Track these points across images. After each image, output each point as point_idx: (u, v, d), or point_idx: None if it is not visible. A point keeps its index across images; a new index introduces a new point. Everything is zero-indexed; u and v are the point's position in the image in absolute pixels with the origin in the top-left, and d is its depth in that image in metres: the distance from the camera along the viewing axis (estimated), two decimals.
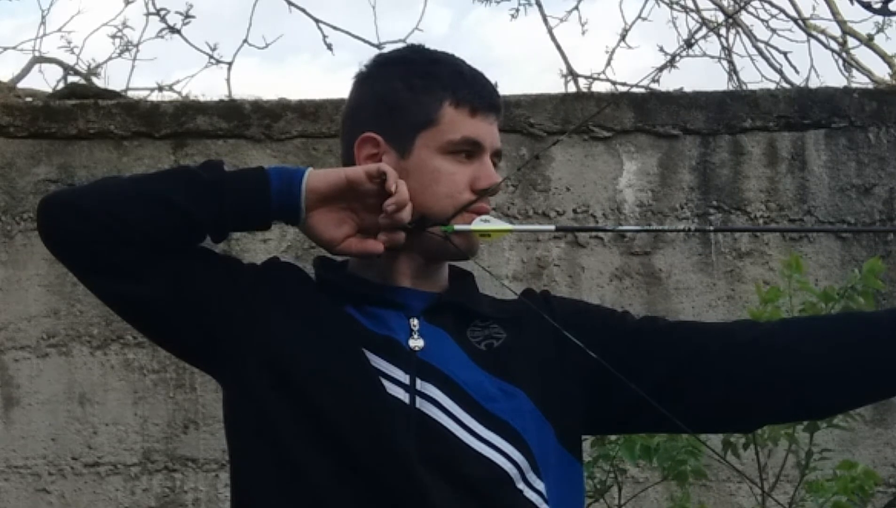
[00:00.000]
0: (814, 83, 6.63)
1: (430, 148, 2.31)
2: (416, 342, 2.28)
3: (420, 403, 2.24)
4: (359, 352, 2.25)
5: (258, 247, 4.99)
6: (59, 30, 6.83)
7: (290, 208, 2.26)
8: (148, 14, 6.57)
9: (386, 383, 2.24)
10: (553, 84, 6.38)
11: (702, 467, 4.10)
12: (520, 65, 11.17)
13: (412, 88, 2.33)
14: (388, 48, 5.93)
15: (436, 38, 11.57)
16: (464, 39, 12.12)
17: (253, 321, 2.28)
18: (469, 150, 2.32)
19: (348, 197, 2.26)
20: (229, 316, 2.28)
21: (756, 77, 8.58)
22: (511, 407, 2.27)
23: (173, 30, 6.51)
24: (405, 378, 2.25)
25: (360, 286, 2.33)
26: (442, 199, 2.29)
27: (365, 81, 2.40)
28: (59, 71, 6.63)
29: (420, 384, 2.25)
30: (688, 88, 5.29)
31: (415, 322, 2.29)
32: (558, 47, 6.29)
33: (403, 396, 2.24)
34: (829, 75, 8.16)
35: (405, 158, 2.31)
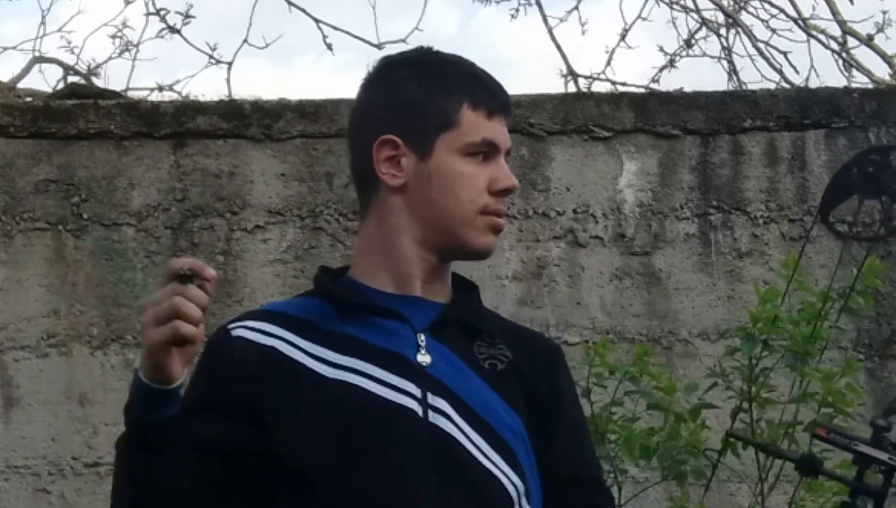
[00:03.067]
0: (814, 83, 6.65)
1: (451, 150, 2.30)
2: (424, 358, 2.27)
3: (433, 416, 2.23)
4: (360, 401, 2.23)
5: (258, 247, 4.99)
6: (59, 30, 6.85)
7: (160, 396, 2.17)
8: (148, 14, 6.59)
9: (398, 395, 2.24)
10: (554, 84, 6.40)
11: (702, 467, 4.10)
12: (527, 66, 11.19)
13: (430, 89, 2.32)
14: (388, 48, 5.94)
15: (444, 38, 11.58)
16: (472, 40, 12.13)
17: (261, 438, 2.23)
18: (486, 151, 2.32)
19: (167, 351, 2.15)
20: (250, 453, 2.23)
21: (756, 77, 8.59)
22: (512, 432, 2.29)
23: (173, 30, 6.52)
24: (417, 392, 2.24)
25: (365, 299, 2.31)
26: (464, 202, 2.30)
27: (375, 83, 2.38)
28: (59, 71, 6.65)
29: (431, 398, 2.24)
30: (688, 88, 5.30)
31: (421, 338, 2.29)
32: (558, 47, 6.32)
33: (417, 408, 2.23)
34: (829, 75, 8.17)
35: (426, 160, 2.31)
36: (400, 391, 2.24)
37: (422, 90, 2.32)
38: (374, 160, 2.32)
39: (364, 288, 2.32)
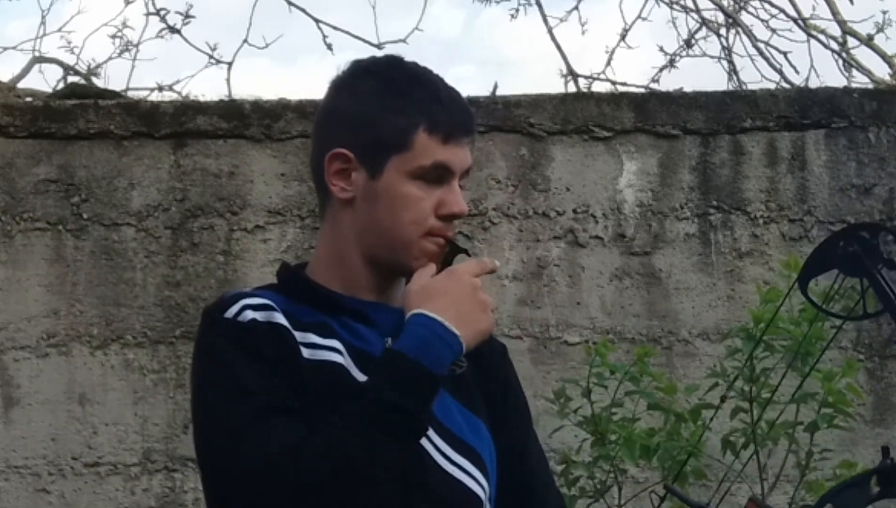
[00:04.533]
0: (814, 83, 6.65)
1: (401, 172, 2.29)
2: None
3: None
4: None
5: (258, 247, 4.99)
6: (59, 30, 6.86)
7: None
8: (148, 14, 6.60)
9: None
10: (554, 84, 6.41)
11: (702, 467, 4.11)
12: (527, 66, 11.19)
13: (389, 108, 2.31)
14: (388, 48, 5.94)
15: (447, 39, 11.57)
16: (475, 41, 12.13)
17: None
18: (438, 175, 2.31)
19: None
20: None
21: (756, 77, 8.57)
22: (476, 436, 2.31)
23: (173, 30, 6.53)
24: None
25: (335, 298, 2.32)
26: (407, 225, 2.29)
27: (341, 89, 2.37)
28: (59, 71, 6.66)
29: None
30: (688, 88, 5.30)
31: (389, 342, 2.27)
32: (558, 47, 6.33)
33: None
34: (829, 75, 8.15)
35: (375, 179, 2.30)
36: None
37: (381, 108, 2.31)
38: (325, 171, 2.33)
39: (325, 290, 2.33)
